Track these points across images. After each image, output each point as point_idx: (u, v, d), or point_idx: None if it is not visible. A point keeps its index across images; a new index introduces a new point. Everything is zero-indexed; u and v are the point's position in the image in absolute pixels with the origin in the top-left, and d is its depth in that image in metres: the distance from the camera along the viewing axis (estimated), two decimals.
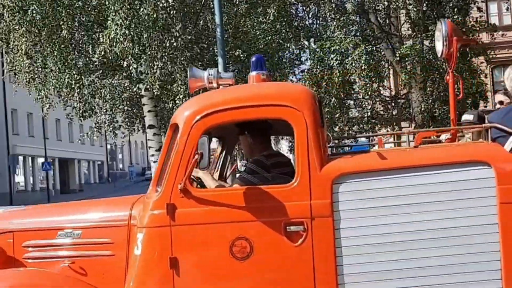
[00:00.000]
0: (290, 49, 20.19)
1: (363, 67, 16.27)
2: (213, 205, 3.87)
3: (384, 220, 3.77)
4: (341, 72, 16.55)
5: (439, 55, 4.55)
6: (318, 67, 17.25)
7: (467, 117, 6.28)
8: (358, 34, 19.16)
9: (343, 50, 16.76)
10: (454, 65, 4.46)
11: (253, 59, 4.45)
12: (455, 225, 3.72)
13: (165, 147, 4.13)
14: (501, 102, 6.13)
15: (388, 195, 3.78)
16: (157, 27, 13.48)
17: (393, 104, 20.77)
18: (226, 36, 15.36)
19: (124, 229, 4.25)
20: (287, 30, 18.01)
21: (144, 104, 16.35)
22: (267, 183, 4.08)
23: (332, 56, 16.76)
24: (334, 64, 16.68)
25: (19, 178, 42.07)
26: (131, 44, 13.29)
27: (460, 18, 16.79)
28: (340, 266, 3.77)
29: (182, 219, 3.88)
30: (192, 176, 4.22)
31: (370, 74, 16.59)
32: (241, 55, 15.71)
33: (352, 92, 18.59)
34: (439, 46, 4.49)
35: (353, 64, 16.33)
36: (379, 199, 3.78)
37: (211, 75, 4.39)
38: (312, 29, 20.24)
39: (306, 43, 19.97)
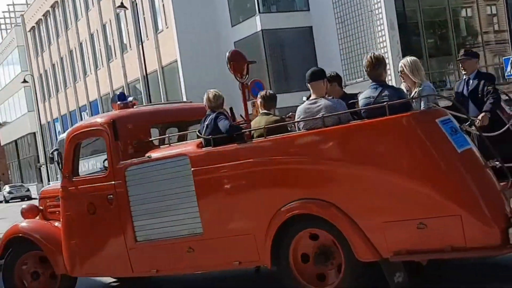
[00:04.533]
0: None
1: None
2: (79, 185, 7.14)
3: (146, 192, 6.60)
4: None
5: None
6: None
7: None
8: None
9: None
10: (241, 77, 6.94)
11: (118, 93, 7.51)
12: (178, 192, 6.37)
13: None
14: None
15: (149, 177, 6.57)
16: None
17: None
18: None
19: None
20: None
21: None
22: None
23: None
24: None
25: None
26: None
27: None
28: (134, 217, 6.69)
29: (70, 193, 7.24)
30: None
31: None
32: None
33: None
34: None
35: None
36: (145, 179, 6.59)
37: (116, 102, 7.30)
38: None
39: None
